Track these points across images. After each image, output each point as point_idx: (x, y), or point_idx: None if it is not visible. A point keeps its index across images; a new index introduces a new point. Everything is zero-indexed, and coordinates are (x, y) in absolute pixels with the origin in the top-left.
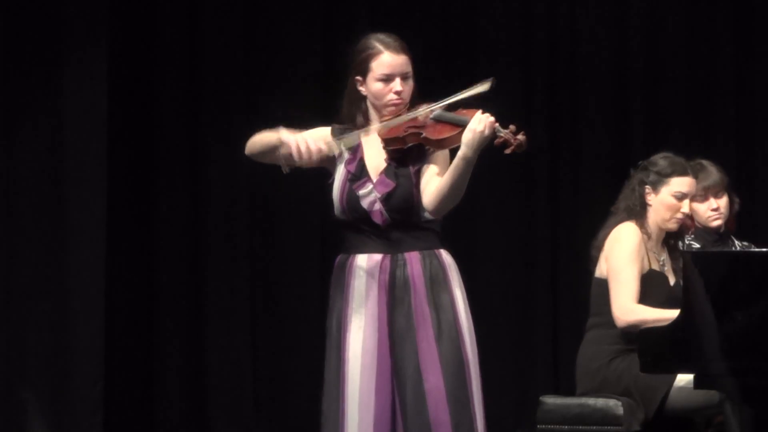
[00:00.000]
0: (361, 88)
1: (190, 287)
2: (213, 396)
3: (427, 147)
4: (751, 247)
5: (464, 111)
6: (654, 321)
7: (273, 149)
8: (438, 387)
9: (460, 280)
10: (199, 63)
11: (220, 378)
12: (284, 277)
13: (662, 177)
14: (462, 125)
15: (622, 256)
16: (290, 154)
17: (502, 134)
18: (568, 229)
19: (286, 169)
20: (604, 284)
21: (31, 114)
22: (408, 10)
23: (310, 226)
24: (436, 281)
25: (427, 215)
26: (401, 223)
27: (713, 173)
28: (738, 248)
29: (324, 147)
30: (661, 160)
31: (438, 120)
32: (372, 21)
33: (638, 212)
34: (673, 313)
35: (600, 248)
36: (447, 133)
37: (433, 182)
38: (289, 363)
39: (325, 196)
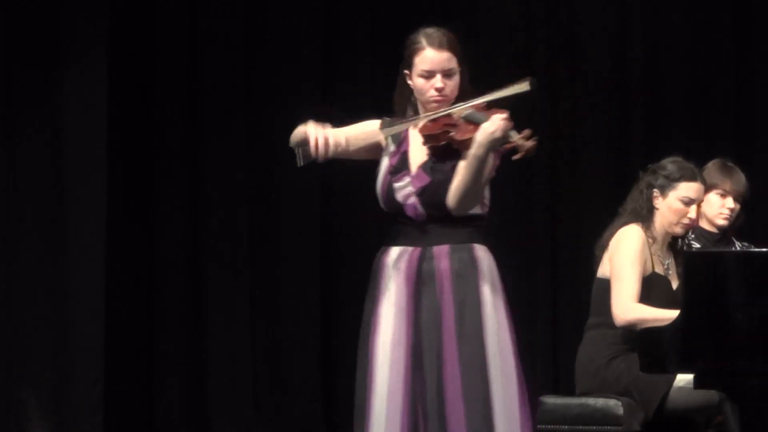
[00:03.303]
0: (410, 82)
1: (190, 287)
2: (213, 396)
3: (454, 147)
4: (751, 247)
5: (494, 111)
6: (653, 320)
7: (304, 141)
8: (455, 385)
9: (495, 276)
10: (199, 63)
11: (220, 378)
12: (284, 277)
13: (671, 181)
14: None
15: (625, 257)
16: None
17: (513, 139)
18: (568, 228)
19: (300, 162)
20: (605, 284)
21: (31, 114)
22: (408, 10)
23: (310, 226)
24: (463, 276)
25: (471, 211)
26: (437, 218)
27: (743, 180)
28: (738, 248)
29: (342, 142)
30: (670, 164)
31: (467, 120)
32: (373, 21)
33: (645, 215)
34: (672, 313)
35: (604, 248)
36: (470, 134)
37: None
38: (289, 363)
39: (327, 195)
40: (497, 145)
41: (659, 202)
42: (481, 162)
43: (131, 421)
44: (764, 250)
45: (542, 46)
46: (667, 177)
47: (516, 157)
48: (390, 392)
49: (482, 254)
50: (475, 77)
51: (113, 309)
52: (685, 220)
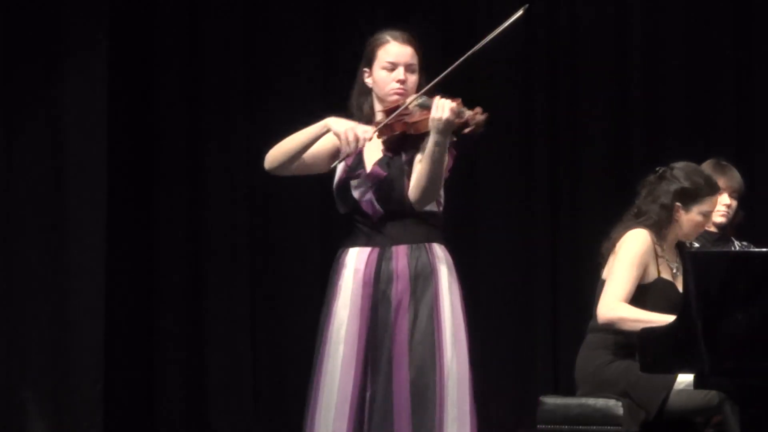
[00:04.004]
0: (368, 80)
1: (190, 287)
2: (213, 396)
3: (409, 133)
4: (750, 247)
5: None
6: (635, 321)
7: (313, 142)
8: (404, 383)
9: (453, 276)
10: (199, 63)
11: (220, 378)
12: (284, 277)
13: (696, 197)
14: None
15: (623, 258)
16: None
17: (464, 117)
18: (569, 229)
19: (333, 163)
20: None
21: (31, 115)
22: (408, 9)
23: (309, 225)
24: (421, 276)
25: (428, 208)
26: (394, 215)
27: (737, 177)
28: (738, 248)
29: (370, 131)
30: (689, 176)
31: (422, 106)
32: (372, 21)
33: (662, 226)
34: (657, 316)
35: (611, 250)
36: (422, 116)
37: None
38: (289, 363)
39: (326, 195)
40: (451, 126)
41: (680, 215)
42: (442, 148)
43: (131, 421)
44: (764, 250)
45: (542, 46)
46: (691, 192)
47: (467, 130)
48: (339, 392)
49: (441, 254)
50: (474, 76)
51: (113, 309)
52: (701, 230)
